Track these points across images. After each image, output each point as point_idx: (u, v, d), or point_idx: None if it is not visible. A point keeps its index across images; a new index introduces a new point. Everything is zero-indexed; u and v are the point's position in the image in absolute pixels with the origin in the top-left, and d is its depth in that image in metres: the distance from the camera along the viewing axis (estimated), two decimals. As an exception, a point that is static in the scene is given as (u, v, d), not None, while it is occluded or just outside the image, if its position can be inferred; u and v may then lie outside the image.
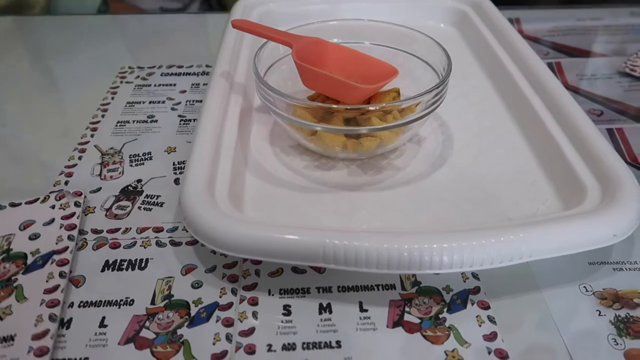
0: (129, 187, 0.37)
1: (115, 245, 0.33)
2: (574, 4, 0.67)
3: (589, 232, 0.28)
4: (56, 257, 0.32)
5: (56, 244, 0.32)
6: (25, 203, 0.36)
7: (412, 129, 0.36)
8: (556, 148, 0.36)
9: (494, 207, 0.34)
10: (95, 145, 0.41)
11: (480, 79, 0.48)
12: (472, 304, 0.29)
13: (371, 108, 0.33)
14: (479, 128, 0.41)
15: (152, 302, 0.29)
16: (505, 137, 0.40)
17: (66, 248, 0.32)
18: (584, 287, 0.30)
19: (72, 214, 0.35)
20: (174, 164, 0.39)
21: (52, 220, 0.34)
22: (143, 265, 0.31)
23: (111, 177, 0.38)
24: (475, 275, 0.30)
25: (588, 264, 0.31)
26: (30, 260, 0.31)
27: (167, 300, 0.29)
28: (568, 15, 0.64)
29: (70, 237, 0.33)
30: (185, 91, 0.48)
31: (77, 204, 0.35)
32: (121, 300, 0.29)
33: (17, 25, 0.62)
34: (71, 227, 0.34)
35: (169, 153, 0.40)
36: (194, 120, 0.44)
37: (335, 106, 0.33)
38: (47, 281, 0.30)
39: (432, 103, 0.35)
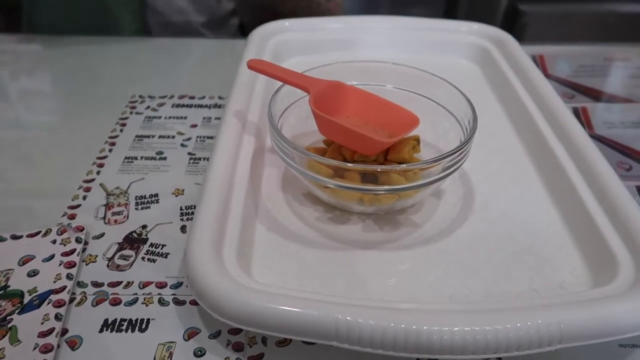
0: (134, 234, 0.35)
1: (115, 302, 0.31)
2: (599, 41, 0.65)
3: (627, 317, 0.26)
4: (53, 297, 0.31)
5: (54, 282, 0.32)
6: (27, 236, 0.35)
7: (433, 185, 0.34)
8: (584, 210, 0.34)
9: (517, 273, 0.32)
10: (100, 184, 0.40)
11: (502, 122, 0.46)
12: (494, 389, 0.27)
13: (390, 168, 0.31)
14: (502, 181, 0.39)
15: (151, 372, 0.27)
16: (530, 193, 0.38)
17: (64, 288, 0.31)
18: (616, 374, 0.28)
19: (73, 251, 0.34)
20: (181, 208, 0.38)
21: (52, 257, 0.33)
22: (144, 326, 0.29)
23: (115, 221, 0.36)
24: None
25: (619, 347, 0.29)
26: (26, 299, 0.31)
27: (167, 370, 0.27)
28: (594, 52, 0.61)
29: (68, 276, 0.32)
30: (196, 125, 0.47)
31: (78, 240, 0.34)
32: (119, 368, 0.27)
33: (40, 46, 0.61)
34: (70, 265, 0.33)
35: (176, 196, 0.39)
36: (205, 159, 0.43)
37: (350, 165, 0.32)
38: (42, 323, 0.29)
39: (456, 162, 0.33)
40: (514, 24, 1.23)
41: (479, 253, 0.34)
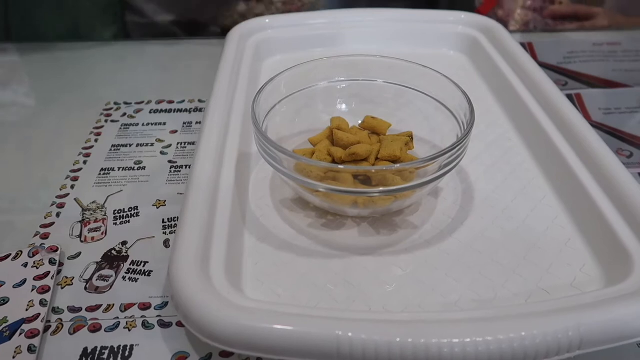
0: (113, 252, 0.33)
1: (95, 328, 0.28)
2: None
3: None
4: (25, 327, 0.28)
5: (27, 310, 0.29)
6: (-4, 260, 0.32)
7: (432, 184, 0.32)
8: (589, 201, 0.33)
9: (525, 274, 0.30)
10: (75, 199, 0.37)
11: (496, 113, 0.44)
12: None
13: (384, 168, 0.29)
14: (501, 175, 0.37)
15: (137, 405, 0.25)
16: (531, 186, 0.36)
17: (37, 315, 0.29)
18: (636, 376, 0.26)
19: (46, 274, 0.31)
20: (163, 221, 0.35)
21: (24, 282, 0.31)
22: (127, 354, 0.27)
23: (92, 238, 0.34)
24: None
25: (638, 347, 0.27)
26: None
27: (154, 402, 0.25)
28: (583, 38, 0.60)
29: (42, 302, 0.29)
30: (176, 131, 0.44)
31: (52, 262, 0.32)
32: (100, 404, 0.25)
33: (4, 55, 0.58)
34: (44, 290, 0.30)
35: (158, 207, 0.36)
36: (187, 167, 0.40)
37: (342, 167, 0.30)
38: (14, 357, 0.27)
39: (455, 158, 0.31)
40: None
41: (483, 253, 0.32)
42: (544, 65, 0.54)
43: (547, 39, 0.60)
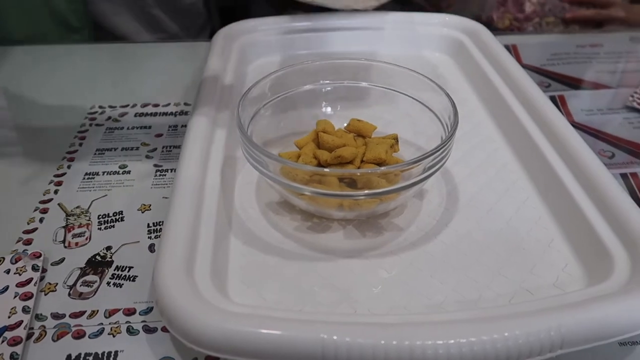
0: (97, 257, 0.33)
1: (79, 334, 0.28)
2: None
3: (629, 316, 0.25)
4: (8, 335, 0.28)
5: (9, 317, 0.29)
6: (-23, 267, 0.32)
7: (416, 187, 0.32)
8: (572, 202, 0.33)
9: (509, 274, 0.31)
10: (59, 204, 0.37)
11: (480, 115, 0.45)
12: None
13: (369, 171, 0.29)
14: (485, 176, 0.38)
15: (122, 411, 0.25)
16: (515, 188, 0.37)
17: (20, 323, 0.28)
18: (618, 374, 0.26)
19: (29, 280, 0.31)
20: (148, 225, 0.35)
21: (6, 288, 0.30)
22: (111, 360, 0.27)
23: (76, 244, 0.34)
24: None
25: (619, 345, 0.28)
26: None
27: (139, 409, 0.25)
28: (566, 40, 0.61)
29: (25, 309, 0.29)
30: (161, 135, 0.44)
31: (35, 268, 0.31)
32: (84, 410, 0.25)
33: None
34: (27, 297, 0.30)
35: (143, 212, 0.36)
36: (172, 170, 0.40)
37: (327, 170, 0.30)
38: None
39: (439, 160, 0.31)
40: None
41: (467, 254, 0.32)
42: (527, 67, 0.55)
43: (531, 41, 0.60)
